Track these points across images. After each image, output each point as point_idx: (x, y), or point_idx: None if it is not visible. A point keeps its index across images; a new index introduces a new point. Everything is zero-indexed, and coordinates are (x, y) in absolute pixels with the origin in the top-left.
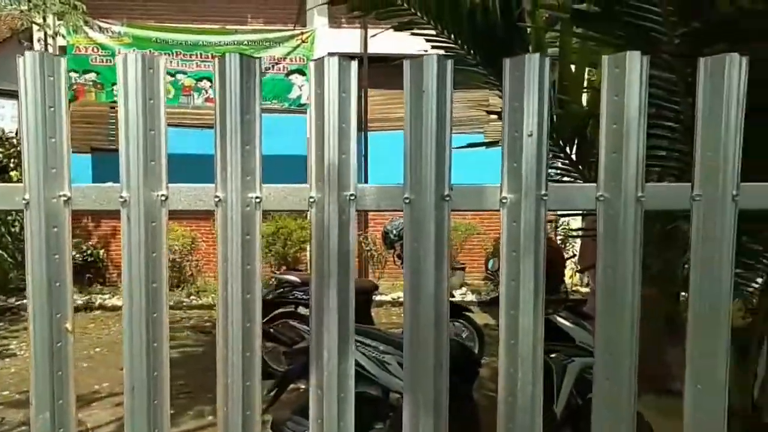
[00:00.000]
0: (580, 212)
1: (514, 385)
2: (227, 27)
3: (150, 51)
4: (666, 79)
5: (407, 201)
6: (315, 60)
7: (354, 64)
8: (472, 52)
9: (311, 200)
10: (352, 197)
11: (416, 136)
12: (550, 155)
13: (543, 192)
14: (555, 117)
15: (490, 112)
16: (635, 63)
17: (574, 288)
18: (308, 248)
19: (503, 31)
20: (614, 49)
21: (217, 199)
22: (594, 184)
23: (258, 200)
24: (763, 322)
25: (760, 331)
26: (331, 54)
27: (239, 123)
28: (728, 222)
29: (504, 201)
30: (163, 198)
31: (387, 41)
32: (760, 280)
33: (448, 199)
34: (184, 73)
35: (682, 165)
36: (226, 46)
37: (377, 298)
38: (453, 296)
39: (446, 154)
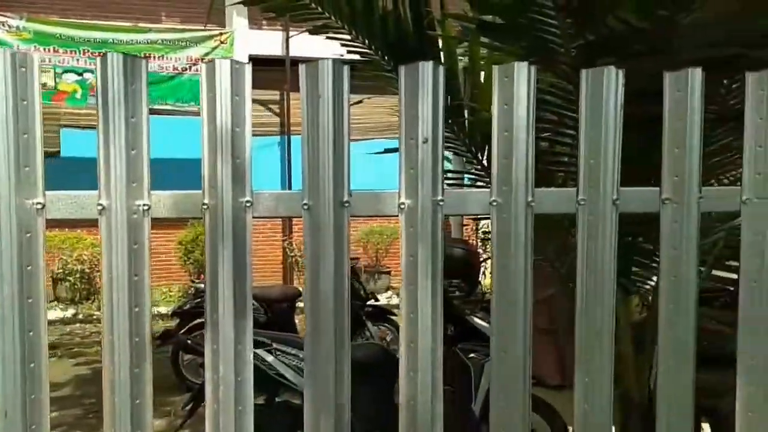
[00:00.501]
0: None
1: (414, 388)
2: (139, 25)
3: (53, 48)
4: (565, 88)
5: (306, 207)
6: (206, 62)
7: (248, 68)
8: (386, 58)
9: (204, 207)
10: (248, 204)
11: (313, 141)
12: (464, 161)
13: (439, 197)
14: (467, 124)
15: None
16: (523, 73)
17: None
18: None
19: (415, 39)
20: (518, 59)
21: (100, 207)
22: (488, 190)
23: (146, 208)
24: (657, 317)
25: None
26: (251, 56)
27: (123, 126)
28: (609, 224)
29: (402, 206)
30: (39, 206)
31: (310, 44)
32: (655, 277)
33: (347, 205)
34: (92, 72)
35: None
36: (138, 44)
37: (299, 304)
38: (378, 300)
39: (344, 160)
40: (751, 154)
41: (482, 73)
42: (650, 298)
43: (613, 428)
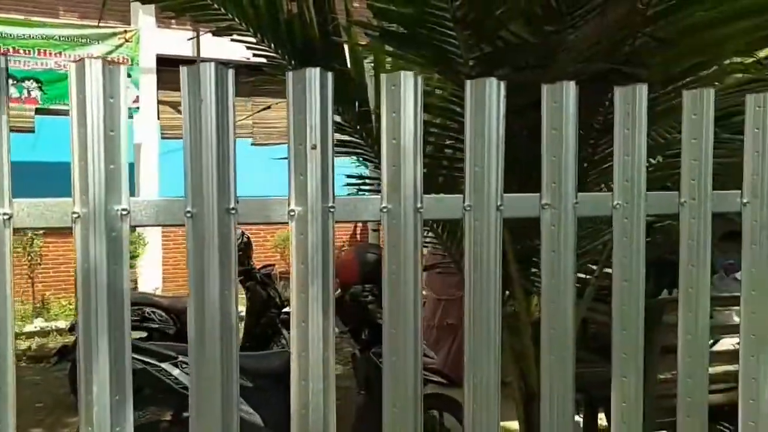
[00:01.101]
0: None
1: (306, 396)
2: (32, 19)
3: None
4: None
5: (189, 215)
6: (76, 62)
7: (123, 69)
8: (293, 62)
9: (75, 216)
10: (125, 212)
11: (196, 146)
12: (371, 167)
13: (330, 204)
14: (375, 131)
15: None
16: (410, 82)
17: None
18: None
19: (322, 44)
20: (421, 68)
21: None
22: (378, 196)
23: (6, 217)
24: None
25: None
26: (159, 55)
27: None
28: (494, 229)
29: (291, 213)
30: None
31: (223, 46)
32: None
33: (233, 212)
34: None
35: None
36: (32, 39)
37: None
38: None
39: (229, 166)
40: (619, 163)
41: None
42: None
43: (517, 423)
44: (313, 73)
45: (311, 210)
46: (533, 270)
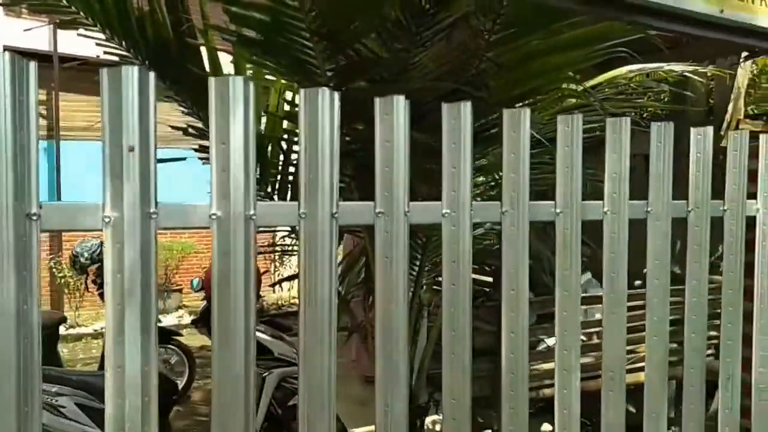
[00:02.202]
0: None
1: (121, 414)
2: None
3: None
4: None
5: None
6: None
7: None
8: (147, 63)
9: None
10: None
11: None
12: None
13: (151, 210)
14: None
15: (174, 128)
16: (239, 87)
17: (293, 301)
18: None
19: (177, 46)
20: (281, 76)
21: None
22: (207, 203)
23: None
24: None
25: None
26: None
27: None
28: (329, 236)
29: (106, 220)
30: None
31: (81, 41)
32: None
33: (35, 218)
34: None
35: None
36: None
37: (74, 330)
38: (160, 321)
39: (30, 165)
40: (447, 174)
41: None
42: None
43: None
44: (130, 73)
45: (127, 215)
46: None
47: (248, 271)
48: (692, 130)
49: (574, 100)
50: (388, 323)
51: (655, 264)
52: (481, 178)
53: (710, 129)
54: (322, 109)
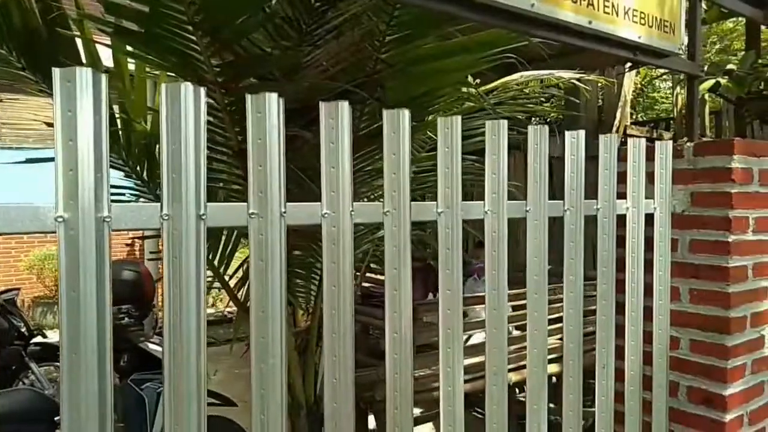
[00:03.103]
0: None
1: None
2: None
3: None
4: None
5: None
6: None
7: None
8: (14, 53)
9: None
10: None
11: None
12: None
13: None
14: (122, 136)
15: (48, 124)
16: (87, 79)
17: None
18: None
19: (48, 37)
20: (166, 71)
21: None
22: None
23: None
24: (320, 323)
25: (318, 331)
26: None
27: None
28: (195, 238)
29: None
30: None
31: None
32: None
33: None
34: None
35: (242, 185)
36: None
37: None
38: (45, 336)
39: None
40: (326, 174)
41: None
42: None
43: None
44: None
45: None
46: (297, 281)
47: (102, 277)
48: (566, 133)
49: (472, 104)
50: (263, 332)
51: (533, 261)
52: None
53: (582, 132)
54: (185, 105)
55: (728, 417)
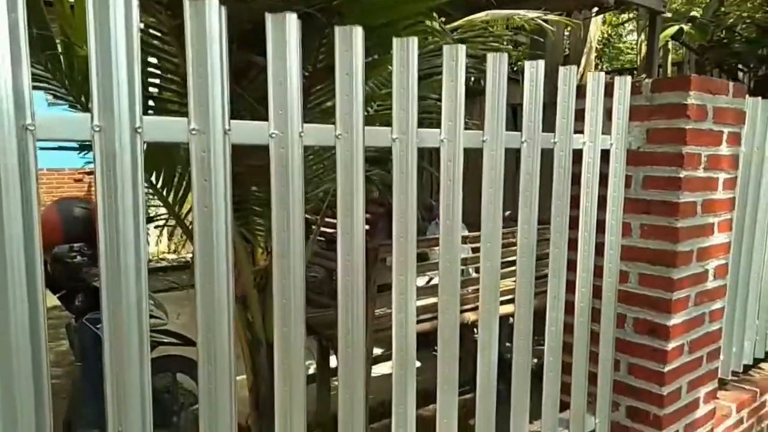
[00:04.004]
0: None
1: None
2: None
3: None
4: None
5: None
6: None
7: None
8: None
9: None
10: None
11: None
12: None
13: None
14: (63, 62)
15: None
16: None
17: (161, 256)
18: None
19: None
20: None
21: None
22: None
23: None
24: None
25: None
26: None
27: None
28: (130, 155)
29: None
30: None
31: None
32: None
33: None
34: None
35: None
36: None
37: None
38: None
39: None
40: (274, 91)
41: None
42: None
43: (245, 367)
44: None
45: None
46: (256, 218)
47: (28, 193)
48: (526, 63)
49: (437, 39)
50: (208, 252)
51: (489, 192)
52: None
53: (542, 62)
54: (114, 8)
55: (670, 345)
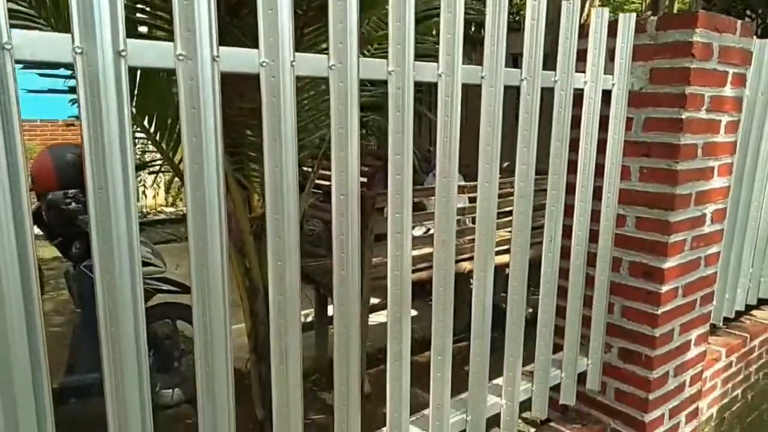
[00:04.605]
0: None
1: None
2: None
3: None
4: None
5: None
6: None
7: None
8: None
9: None
10: None
11: None
12: None
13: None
14: None
15: None
16: None
17: (159, 209)
18: None
19: None
20: None
21: None
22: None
23: None
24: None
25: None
26: None
27: None
28: (115, 77)
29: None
30: None
31: None
32: None
33: None
34: None
35: None
36: None
37: None
38: None
39: None
40: (262, 18)
41: None
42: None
43: (244, 313)
44: None
45: None
46: (251, 164)
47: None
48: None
49: None
50: (199, 186)
51: (486, 130)
52: None
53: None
54: None
55: (664, 288)
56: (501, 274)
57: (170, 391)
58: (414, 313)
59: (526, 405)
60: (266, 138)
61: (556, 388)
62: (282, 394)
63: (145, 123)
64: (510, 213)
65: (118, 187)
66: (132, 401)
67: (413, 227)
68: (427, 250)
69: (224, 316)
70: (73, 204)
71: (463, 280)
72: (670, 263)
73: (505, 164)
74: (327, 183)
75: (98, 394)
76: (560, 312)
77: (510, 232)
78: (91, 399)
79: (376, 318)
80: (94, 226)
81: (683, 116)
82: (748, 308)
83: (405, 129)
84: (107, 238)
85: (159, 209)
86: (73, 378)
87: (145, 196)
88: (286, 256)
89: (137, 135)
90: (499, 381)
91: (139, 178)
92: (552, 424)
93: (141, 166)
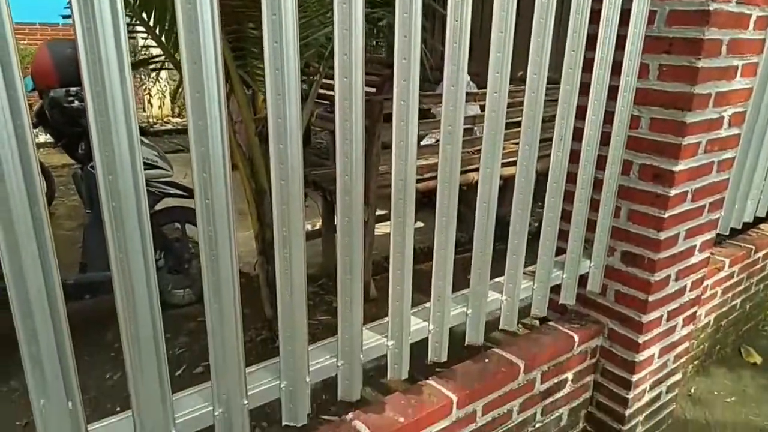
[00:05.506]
0: None
1: None
2: None
3: None
4: None
5: None
6: None
7: None
8: None
9: None
10: None
11: None
12: None
13: None
14: None
15: None
16: None
17: (165, 119)
18: None
19: None
20: None
21: None
22: None
23: None
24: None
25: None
26: None
27: None
28: None
29: None
30: None
31: None
32: None
33: None
34: None
35: None
36: None
37: None
38: None
39: None
40: None
41: None
42: None
43: (251, 216)
44: None
45: None
46: (255, 61)
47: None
48: None
49: None
50: (198, 85)
51: (498, 36)
52: None
53: None
54: None
55: (673, 192)
56: (509, 187)
57: (181, 291)
58: (420, 224)
59: (524, 312)
60: (265, 16)
61: (556, 290)
62: (286, 296)
63: (144, 16)
64: (519, 124)
65: (115, 82)
66: (141, 299)
67: (424, 136)
68: (435, 159)
69: (228, 221)
70: (76, 102)
71: (473, 192)
72: (681, 166)
73: (519, 74)
74: (333, 93)
75: (110, 291)
76: (565, 216)
77: (517, 143)
78: (104, 296)
79: (384, 228)
80: (93, 126)
81: (711, 8)
82: (757, 221)
83: (412, 32)
84: (107, 141)
85: (165, 119)
86: (86, 276)
87: (151, 105)
88: (288, 163)
89: (137, 29)
90: (500, 279)
91: (143, 86)
92: (551, 323)
93: (141, 63)
